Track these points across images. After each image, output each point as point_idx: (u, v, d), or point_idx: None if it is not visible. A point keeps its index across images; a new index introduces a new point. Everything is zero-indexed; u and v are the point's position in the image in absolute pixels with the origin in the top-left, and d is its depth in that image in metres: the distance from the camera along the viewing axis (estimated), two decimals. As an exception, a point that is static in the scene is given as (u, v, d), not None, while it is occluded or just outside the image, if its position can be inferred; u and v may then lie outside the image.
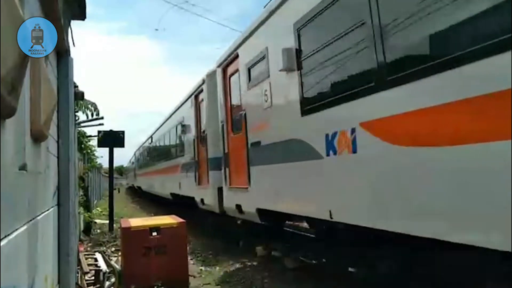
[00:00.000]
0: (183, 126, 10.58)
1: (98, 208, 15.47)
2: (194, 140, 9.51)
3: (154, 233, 5.31)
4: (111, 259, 6.79)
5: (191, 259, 6.98)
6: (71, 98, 3.26)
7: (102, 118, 9.88)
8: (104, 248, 8.36)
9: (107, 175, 20.06)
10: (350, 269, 5.08)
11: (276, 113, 5.23)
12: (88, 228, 10.46)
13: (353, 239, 4.22)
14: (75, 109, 6.16)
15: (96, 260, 6.68)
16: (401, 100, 2.99)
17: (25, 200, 1.75)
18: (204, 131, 8.68)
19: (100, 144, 11.71)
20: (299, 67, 4.54)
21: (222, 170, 7.26)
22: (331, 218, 3.91)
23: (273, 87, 5.25)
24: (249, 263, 6.53)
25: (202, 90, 8.92)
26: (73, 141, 4.12)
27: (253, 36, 5.98)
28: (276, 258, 6.58)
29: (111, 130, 11.60)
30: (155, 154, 18.32)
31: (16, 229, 1.50)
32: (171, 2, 21.82)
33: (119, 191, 42.59)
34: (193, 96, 9.72)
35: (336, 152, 3.80)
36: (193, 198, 9.55)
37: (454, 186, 2.54)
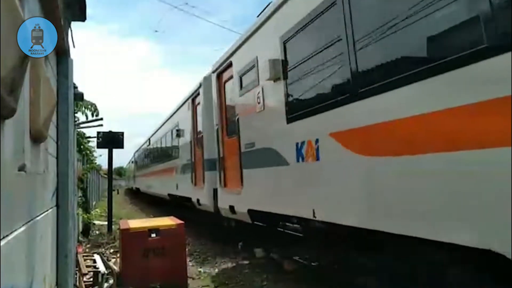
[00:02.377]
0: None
1: (97, 209, 15.43)
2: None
3: (153, 235, 5.30)
4: (110, 261, 6.78)
5: (190, 261, 6.96)
6: (70, 99, 3.26)
7: (101, 119, 9.86)
8: (103, 249, 8.34)
9: (106, 176, 20.11)
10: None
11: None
12: (86, 229, 10.43)
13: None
14: (74, 110, 6.16)
15: (94, 261, 6.66)
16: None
17: (24, 201, 1.75)
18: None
19: (100, 145, 11.69)
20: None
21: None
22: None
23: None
24: (248, 265, 6.52)
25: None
26: (72, 142, 4.12)
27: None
28: (275, 260, 6.57)
29: (110, 131, 11.59)
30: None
31: (15, 230, 1.50)
32: (171, 3, 21.86)
33: (118, 192, 42.58)
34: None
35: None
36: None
37: None
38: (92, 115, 9.25)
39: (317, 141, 4.08)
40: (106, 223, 11.49)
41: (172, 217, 6.20)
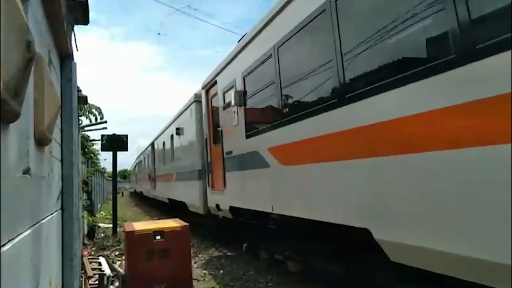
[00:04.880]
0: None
1: (101, 212, 15.48)
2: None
3: (158, 237, 5.31)
4: (115, 263, 6.79)
5: (195, 263, 6.97)
6: (74, 102, 3.27)
7: (105, 122, 9.92)
8: (108, 252, 8.37)
9: (110, 179, 20.04)
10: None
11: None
12: (91, 232, 10.47)
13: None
14: (78, 113, 6.19)
15: (100, 264, 6.69)
16: None
17: (28, 204, 1.75)
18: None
19: (104, 148, 11.75)
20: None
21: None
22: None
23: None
24: (253, 267, 6.51)
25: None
26: (77, 145, 4.14)
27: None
28: (279, 261, 6.56)
29: (114, 134, 11.65)
30: None
31: (20, 233, 1.50)
32: (173, 6, 21.98)
33: (122, 195, 42.82)
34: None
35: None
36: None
37: None
38: (97, 119, 9.30)
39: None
40: (111, 225, 11.53)
41: (176, 219, 6.20)
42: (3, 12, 1.04)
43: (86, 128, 9.76)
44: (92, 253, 8.17)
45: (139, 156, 28.25)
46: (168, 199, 13.51)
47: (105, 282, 5.42)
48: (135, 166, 33.05)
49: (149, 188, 20.21)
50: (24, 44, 1.30)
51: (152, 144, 18.51)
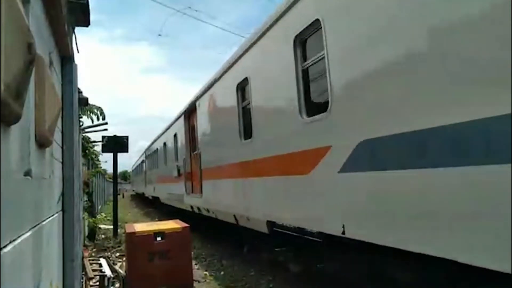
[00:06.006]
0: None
1: (102, 213, 15.49)
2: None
3: (159, 238, 5.31)
4: (116, 264, 6.79)
5: (196, 264, 6.97)
6: (75, 104, 3.28)
7: (106, 123, 9.93)
8: (109, 253, 8.37)
9: (111, 180, 19.91)
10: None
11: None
12: (92, 233, 10.47)
13: None
14: (79, 114, 6.21)
15: (100, 265, 6.69)
16: None
17: (30, 205, 1.75)
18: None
19: (104, 149, 11.77)
20: None
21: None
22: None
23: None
24: (254, 268, 6.50)
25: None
26: (78, 147, 4.14)
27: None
28: (280, 262, 6.55)
29: (115, 136, 11.66)
30: None
31: (21, 235, 1.50)
32: (174, 8, 22.00)
33: (123, 196, 42.84)
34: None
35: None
36: None
37: None
38: (98, 118, 9.33)
39: None
40: (111, 227, 11.53)
41: (177, 220, 6.21)
42: (4, 13, 1.05)
43: (86, 130, 9.78)
44: (93, 254, 8.18)
45: (149, 147, 21.30)
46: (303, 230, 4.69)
47: (106, 283, 5.43)
48: (142, 162, 25.51)
49: (177, 192, 11.38)
50: (25, 45, 1.31)
51: (187, 113, 10.40)
